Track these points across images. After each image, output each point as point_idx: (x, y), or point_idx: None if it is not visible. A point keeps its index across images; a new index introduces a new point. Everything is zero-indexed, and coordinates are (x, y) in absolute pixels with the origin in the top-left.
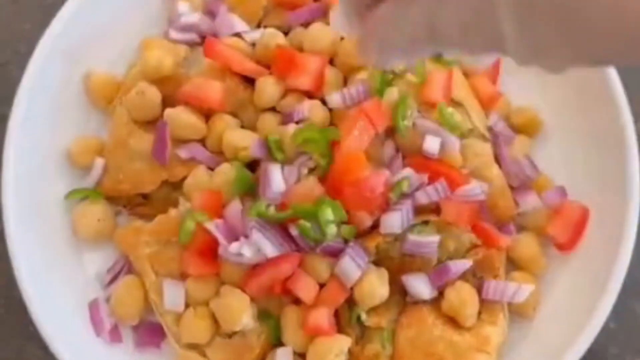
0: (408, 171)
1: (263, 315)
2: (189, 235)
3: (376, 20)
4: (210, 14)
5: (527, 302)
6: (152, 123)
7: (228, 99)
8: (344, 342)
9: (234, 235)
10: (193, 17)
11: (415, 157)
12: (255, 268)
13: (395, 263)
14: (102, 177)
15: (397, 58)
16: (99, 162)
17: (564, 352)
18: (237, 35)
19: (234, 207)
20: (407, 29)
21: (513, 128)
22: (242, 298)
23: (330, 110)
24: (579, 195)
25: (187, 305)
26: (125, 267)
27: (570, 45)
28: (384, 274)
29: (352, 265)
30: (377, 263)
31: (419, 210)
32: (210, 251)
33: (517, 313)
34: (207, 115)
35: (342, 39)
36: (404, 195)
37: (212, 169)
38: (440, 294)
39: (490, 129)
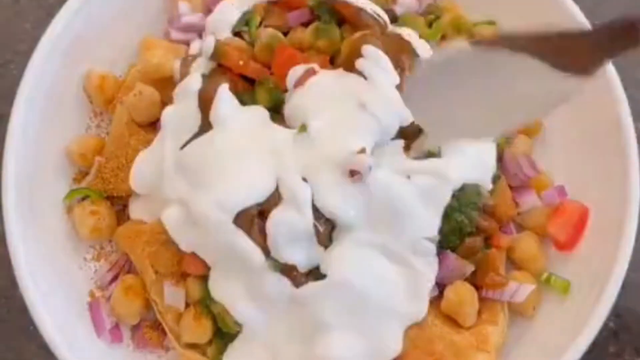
0: None
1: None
2: None
3: None
4: (211, 14)
5: (527, 301)
6: (153, 123)
7: None
8: None
9: None
10: (193, 17)
11: None
12: None
13: None
14: (102, 176)
15: None
16: (99, 162)
17: (564, 352)
18: (237, 35)
19: None
20: None
21: None
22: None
23: None
24: (579, 194)
25: (187, 305)
26: (125, 267)
27: None
28: None
29: None
30: None
31: None
32: None
33: (517, 312)
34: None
35: (342, 39)
36: None
37: None
38: (440, 293)
39: None
